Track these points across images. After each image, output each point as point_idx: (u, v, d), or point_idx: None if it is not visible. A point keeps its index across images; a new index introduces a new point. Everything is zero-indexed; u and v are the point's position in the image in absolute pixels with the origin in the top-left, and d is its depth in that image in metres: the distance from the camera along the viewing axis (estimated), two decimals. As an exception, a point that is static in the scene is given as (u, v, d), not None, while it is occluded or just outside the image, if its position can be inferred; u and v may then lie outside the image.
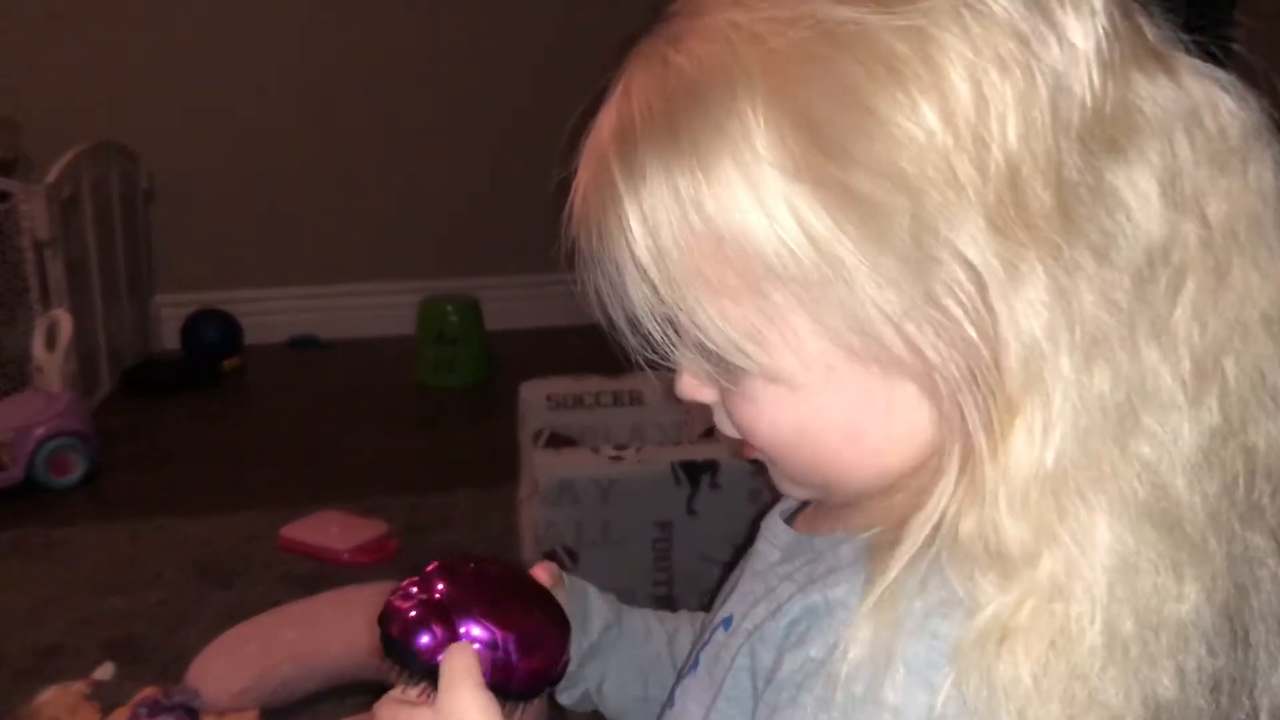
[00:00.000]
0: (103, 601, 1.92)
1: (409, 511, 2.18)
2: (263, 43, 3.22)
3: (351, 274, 3.42)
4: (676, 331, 0.51)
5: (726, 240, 0.47)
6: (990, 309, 0.45)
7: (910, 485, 0.50)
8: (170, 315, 3.31)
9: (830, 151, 0.46)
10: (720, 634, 0.60)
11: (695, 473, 1.73)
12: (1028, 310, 0.45)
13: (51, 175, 2.63)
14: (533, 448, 1.93)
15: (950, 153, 0.45)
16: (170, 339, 3.29)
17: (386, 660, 0.63)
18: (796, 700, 0.49)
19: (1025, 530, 0.45)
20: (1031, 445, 0.45)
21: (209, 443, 2.70)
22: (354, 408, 2.92)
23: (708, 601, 0.69)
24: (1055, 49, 0.46)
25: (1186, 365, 0.47)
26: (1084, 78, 0.46)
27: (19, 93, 2.87)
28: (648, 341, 0.52)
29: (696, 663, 0.62)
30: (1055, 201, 0.45)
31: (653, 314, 0.51)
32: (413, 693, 0.61)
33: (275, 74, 3.23)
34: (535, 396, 2.05)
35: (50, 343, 2.45)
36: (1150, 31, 0.49)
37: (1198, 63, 0.50)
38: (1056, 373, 0.45)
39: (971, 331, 0.46)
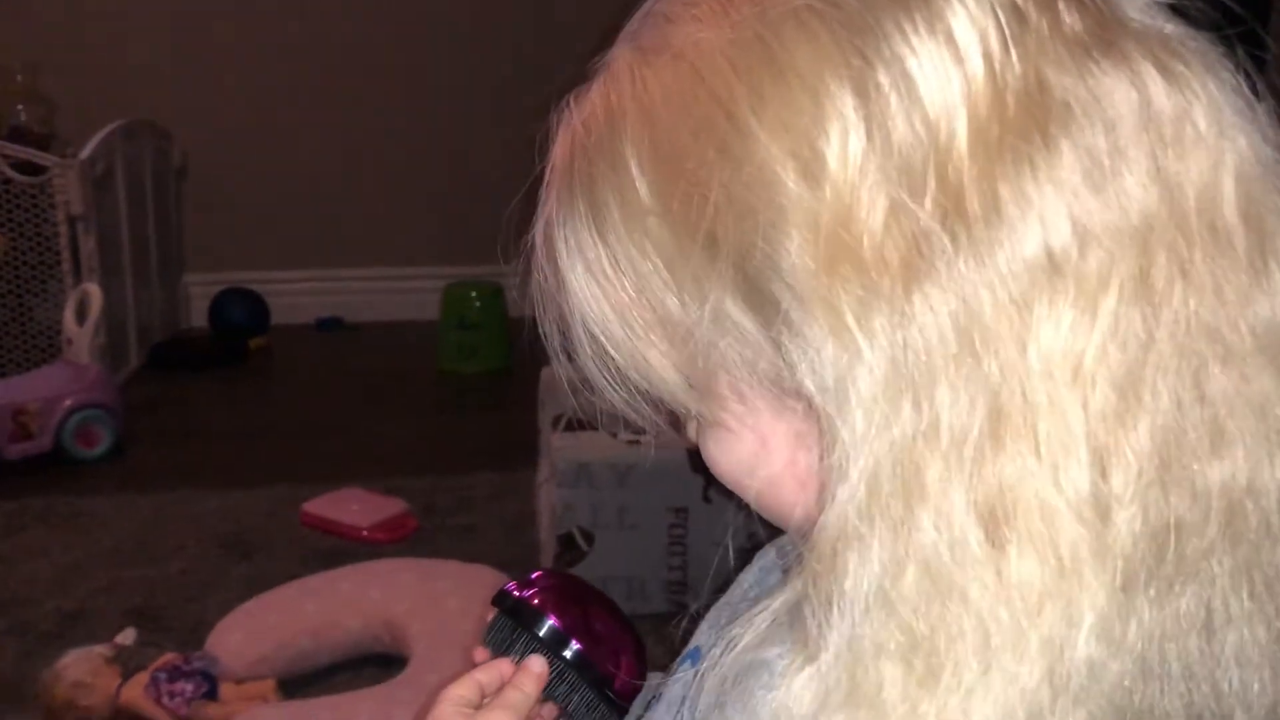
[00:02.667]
0: (125, 570, 1.96)
1: (428, 492, 2.21)
2: (298, 25, 3.26)
3: (378, 258, 3.45)
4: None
5: (634, 287, 0.48)
6: (801, 336, 0.43)
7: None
8: (199, 293, 3.35)
9: (677, 181, 0.45)
10: (687, 667, 0.59)
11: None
12: (824, 340, 0.42)
13: (86, 151, 2.67)
14: (551, 431, 1.95)
15: (778, 173, 0.42)
16: (198, 317, 3.33)
17: (501, 624, 0.69)
18: None
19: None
20: (827, 494, 0.43)
21: (234, 419, 2.74)
22: (377, 390, 2.95)
23: (718, 588, 0.69)
24: (923, 43, 0.42)
25: (1103, 393, 0.40)
26: (972, 68, 0.41)
27: (54, 70, 2.91)
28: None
29: (659, 696, 0.61)
30: (888, 228, 0.41)
31: (599, 362, 0.51)
32: (507, 664, 0.67)
33: (310, 57, 3.26)
34: (556, 381, 2.06)
35: (80, 316, 2.49)
36: (1084, 11, 0.43)
37: (1160, 36, 0.43)
38: (848, 408, 0.42)
39: (792, 358, 0.43)
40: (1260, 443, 0.42)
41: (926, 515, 0.41)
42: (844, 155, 0.41)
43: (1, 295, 2.68)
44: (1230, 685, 0.43)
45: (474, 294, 3.05)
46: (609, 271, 0.48)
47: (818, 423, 0.44)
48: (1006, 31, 0.41)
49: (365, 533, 2.04)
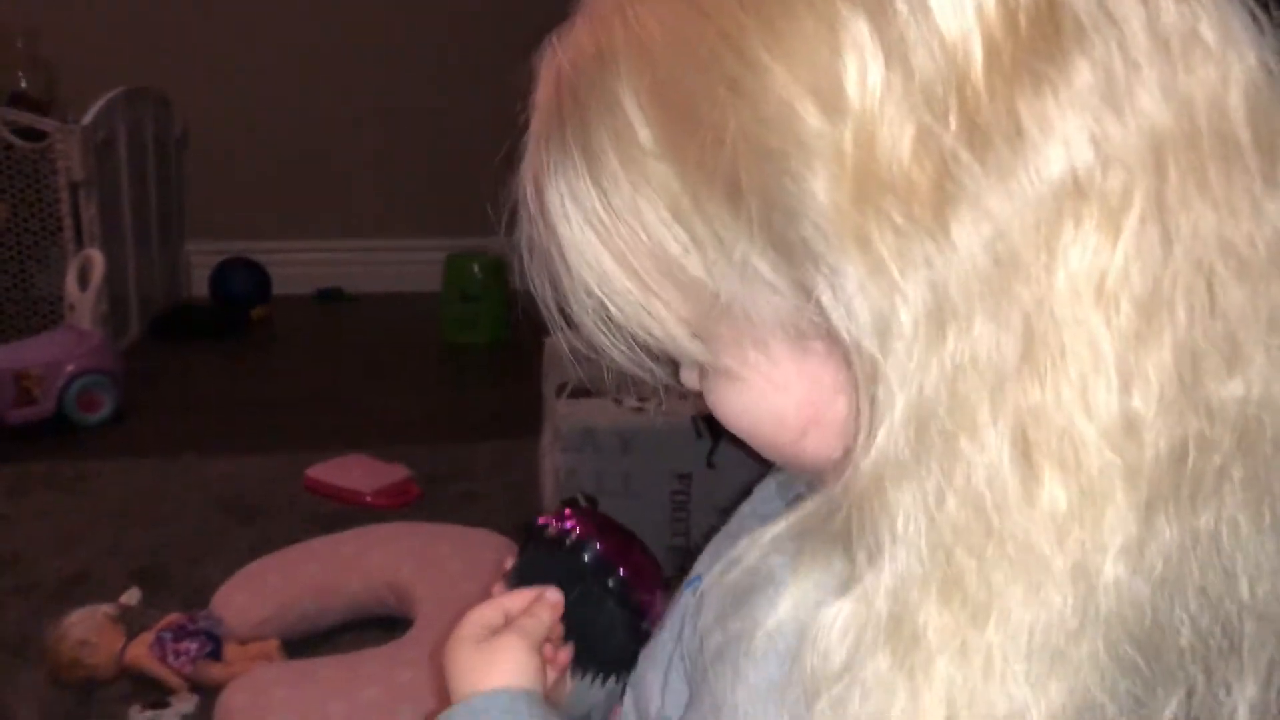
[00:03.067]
0: (129, 533, 1.96)
1: (430, 459, 2.21)
2: (299, -6, 3.24)
3: (379, 229, 3.45)
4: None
5: (637, 236, 0.46)
6: (836, 274, 0.42)
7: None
8: (200, 263, 3.35)
9: (680, 118, 0.44)
10: (688, 595, 0.59)
11: (716, 426, 1.74)
12: (860, 278, 0.41)
13: (88, 117, 2.66)
14: (555, 398, 1.95)
15: (793, 104, 0.41)
16: (199, 287, 3.33)
17: (533, 557, 0.69)
18: (719, 670, 0.49)
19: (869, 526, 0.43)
20: (867, 431, 0.43)
21: (235, 388, 2.74)
22: (378, 360, 2.95)
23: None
24: None
25: (1127, 312, 0.41)
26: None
27: (55, 35, 2.90)
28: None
29: (663, 624, 0.62)
30: (916, 155, 0.41)
31: (598, 317, 0.49)
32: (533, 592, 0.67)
33: (311, 27, 3.25)
34: (560, 348, 2.06)
35: (82, 282, 2.48)
36: None
37: None
38: (890, 345, 0.41)
39: (826, 300, 0.42)
40: (1274, 356, 0.42)
41: (969, 447, 0.41)
42: (864, 85, 0.41)
43: (3, 261, 2.67)
44: (1243, 598, 0.44)
45: (475, 265, 3.05)
46: (607, 221, 0.47)
47: (846, 363, 0.44)
48: None
49: (368, 498, 2.04)
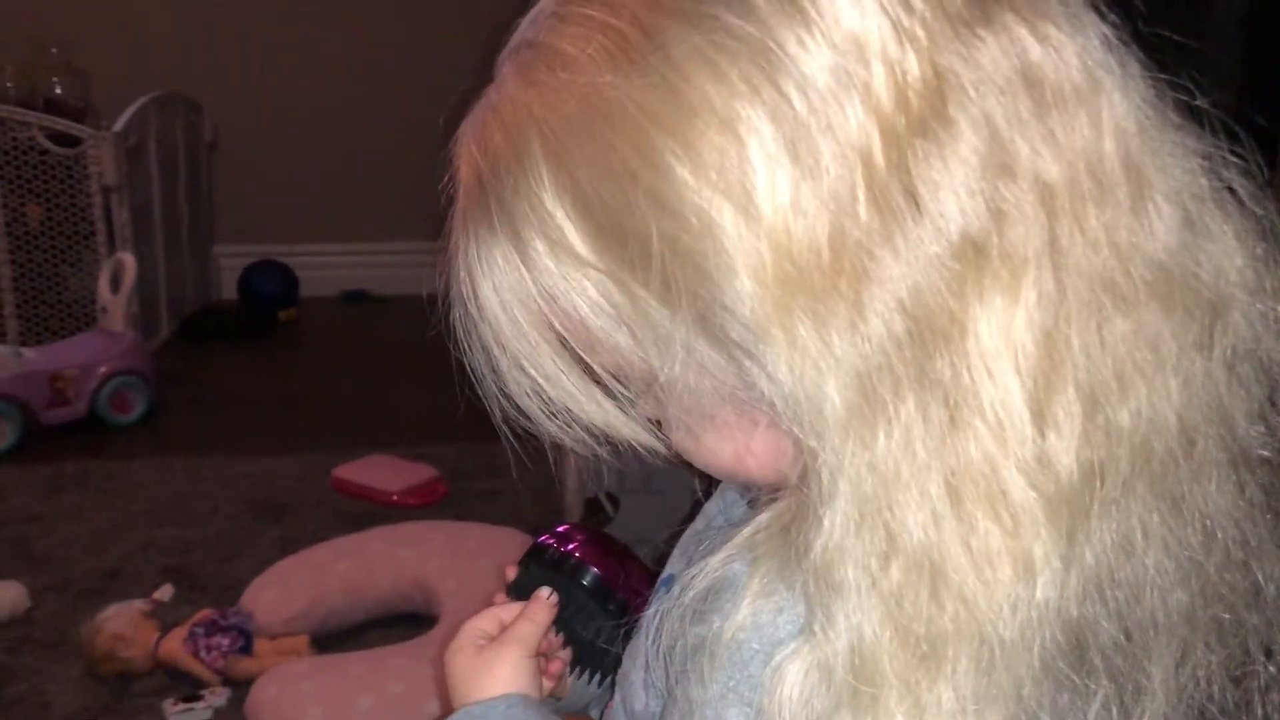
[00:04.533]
0: (160, 531, 2.00)
1: (455, 458, 2.24)
2: (328, 2, 3.28)
3: (405, 231, 3.48)
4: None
5: (571, 314, 0.48)
6: (767, 369, 0.44)
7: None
8: (229, 265, 3.39)
9: (605, 229, 0.45)
10: (663, 593, 0.61)
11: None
12: (789, 374, 0.43)
13: (120, 123, 2.71)
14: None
15: (711, 212, 0.43)
16: (228, 288, 3.37)
17: (534, 575, 0.71)
18: (687, 673, 0.51)
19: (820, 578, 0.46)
20: (815, 513, 0.45)
21: (264, 388, 2.78)
22: (404, 360, 2.96)
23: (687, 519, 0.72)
24: (822, 55, 0.42)
25: (1032, 355, 0.43)
26: (875, 70, 0.42)
27: (89, 43, 2.95)
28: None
29: (638, 625, 0.64)
30: (833, 242, 0.43)
31: (534, 397, 0.52)
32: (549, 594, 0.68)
33: (338, 34, 3.29)
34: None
35: (115, 285, 2.53)
36: None
37: (1029, 0, 0.45)
38: (826, 439, 0.44)
39: (765, 392, 0.45)
40: (1157, 377, 0.45)
41: (908, 514, 0.44)
42: (774, 190, 0.43)
43: (37, 264, 2.72)
44: (1151, 594, 0.47)
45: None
46: (545, 312, 0.48)
47: (789, 433, 0.46)
48: (895, 28, 0.43)
49: (395, 497, 2.07)
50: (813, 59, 0.43)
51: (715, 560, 0.50)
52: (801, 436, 0.45)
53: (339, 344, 3.19)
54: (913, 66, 0.43)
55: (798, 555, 0.46)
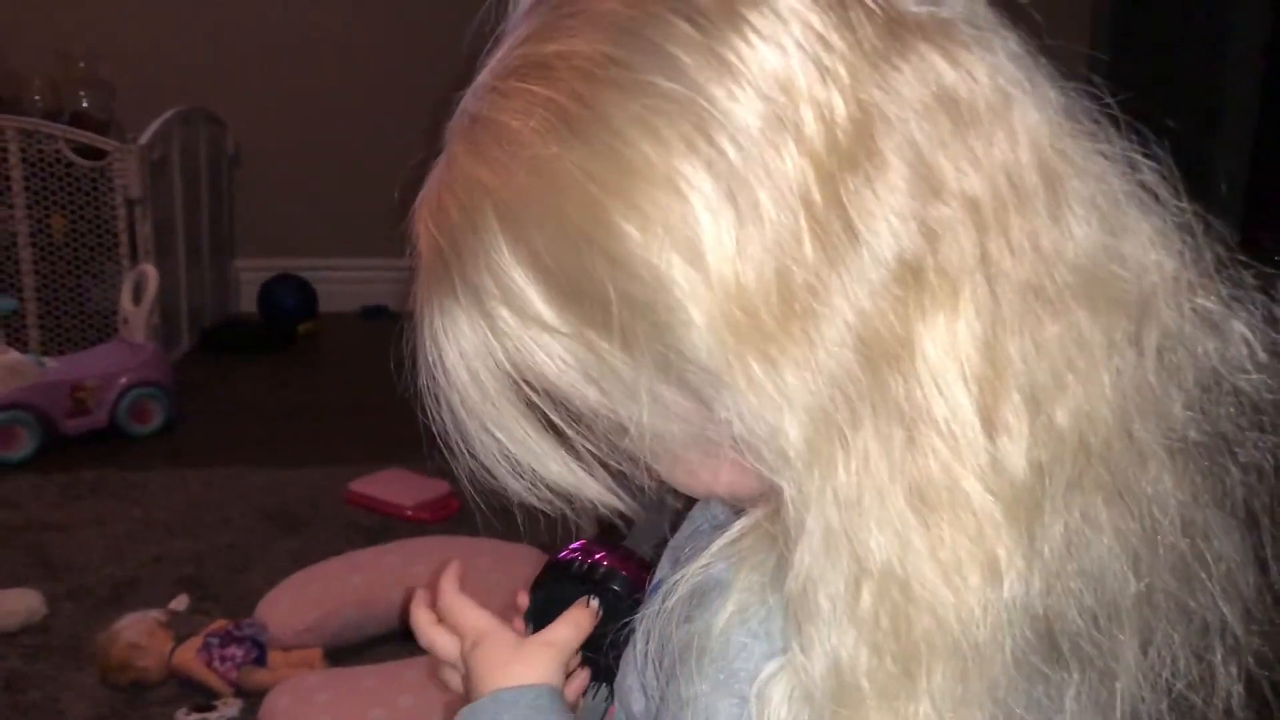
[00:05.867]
0: (176, 541, 2.01)
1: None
2: (351, 18, 3.31)
3: (424, 248, 3.51)
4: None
5: (539, 383, 0.51)
6: (730, 409, 0.46)
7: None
8: (249, 279, 3.42)
9: (566, 292, 0.48)
10: (654, 600, 0.62)
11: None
12: (750, 412, 0.46)
13: (145, 136, 2.73)
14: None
15: (662, 266, 0.45)
16: (248, 302, 3.39)
17: (553, 591, 0.71)
18: (676, 672, 0.52)
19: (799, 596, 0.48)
20: (789, 542, 0.47)
21: (282, 401, 2.80)
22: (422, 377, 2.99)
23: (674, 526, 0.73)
24: (750, 103, 0.44)
25: (976, 364, 0.45)
26: (803, 110, 0.44)
27: (115, 57, 2.98)
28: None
29: (633, 630, 0.65)
30: (779, 283, 0.45)
31: (500, 459, 0.55)
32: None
33: (361, 50, 3.32)
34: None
35: (137, 296, 2.55)
36: (872, 18, 0.46)
37: (939, 25, 0.47)
38: (789, 473, 0.46)
39: (732, 430, 0.47)
40: (1089, 374, 0.47)
41: (876, 536, 0.46)
42: (719, 238, 0.45)
43: (61, 275, 2.75)
44: (1108, 580, 0.49)
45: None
46: (510, 374, 0.51)
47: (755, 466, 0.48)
48: (818, 68, 0.45)
49: (409, 512, 2.08)
50: (743, 109, 0.45)
51: (699, 564, 0.52)
52: (765, 473, 0.46)
53: (357, 358, 3.19)
54: (838, 104, 0.44)
55: (778, 567, 0.48)
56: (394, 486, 2.15)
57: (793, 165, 0.44)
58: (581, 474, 0.55)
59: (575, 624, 0.67)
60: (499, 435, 0.53)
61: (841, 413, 0.45)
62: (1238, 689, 0.54)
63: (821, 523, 0.46)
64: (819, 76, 0.45)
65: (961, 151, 0.45)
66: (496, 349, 0.50)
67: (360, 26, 3.33)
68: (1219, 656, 0.53)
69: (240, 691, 1.58)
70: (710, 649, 0.50)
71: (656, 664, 0.56)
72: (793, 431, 0.45)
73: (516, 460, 0.54)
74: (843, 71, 0.45)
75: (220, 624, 1.64)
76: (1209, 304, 0.50)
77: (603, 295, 0.46)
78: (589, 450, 0.54)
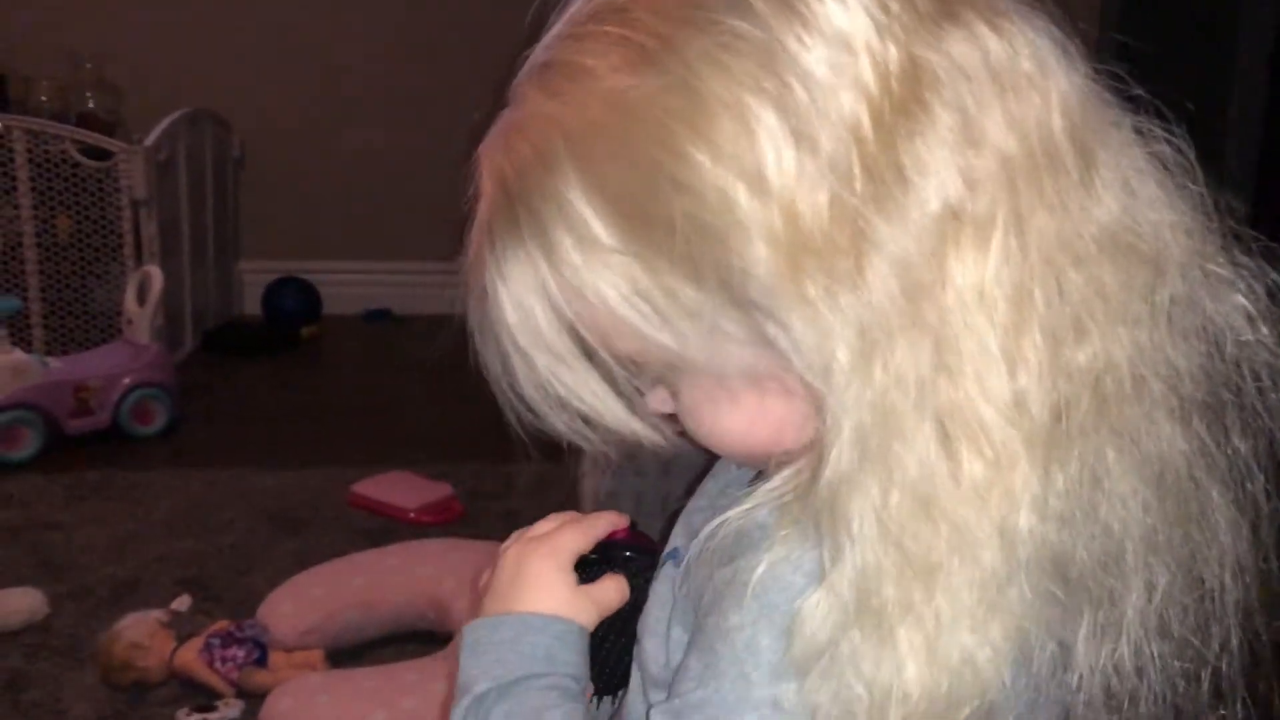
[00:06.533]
0: (178, 542, 2.01)
1: (474, 478, 2.25)
2: (357, 20, 3.32)
3: (428, 251, 3.50)
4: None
5: (594, 305, 0.53)
6: (785, 330, 0.50)
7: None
8: (253, 281, 3.42)
9: (631, 215, 0.50)
10: (670, 567, 0.64)
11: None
12: (803, 331, 0.49)
13: (151, 138, 2.74)
14: (597, 420, 1.98)
15: (728, 192, 0.48)
16: (252, 304, 3.40)
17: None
18: (716, 606, 0.54)
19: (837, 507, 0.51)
20: (826, 454, 0.50)
21: (285, 403, 2.80)
22: (424, 379, 2.97)
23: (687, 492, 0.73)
24: (817, 50, 0.48)
25: (1002, 308, 0.49)
26: (862, 61, 0.48)
27: (122, 59, 2.99)
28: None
29: (649, 598, 0.66)
30: (834, 214, 0.48)
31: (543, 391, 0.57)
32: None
33: (366, 54, 3.33)
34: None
35: (141, 297, 2.55)
36: None
37: (990, 2, 0.51)
38: (833, 384, 0.49)
39: (784, 352, 0.50)
40: (1109, 325, 0.51)
41: (903, 450, 0.50)
42: (781, 169, 0.48)
43: (66, 276, 2.76)
44: (1117, 519, 0.53)
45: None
46: (569, 307, 0.53)
47: (798, 395, 0.52)
48: (877, 25, 0.49)
49: (412, 514, 2.08)
50: (810, 54, 0.48)
51: (742, 508, 0.54)
52: (813, 383, 0.50)
53: (360, 361, 3.20)
54: (893, 57, 0.49)
55: (816, 510, 0.51)
56: (396, 489, 2.15)
57: (850, 109, 0.48)
58: (623, 410, 0.57)
59: (619, 589, 0.67)
60: (546, 371, 0.55)
61: (883, 332, 0.49)
62: (1234, 638, 0.58)
63: (858, 429, 0.49)
64: (877, 33, 0.49)
65: (1001, 112, 0.50)
66: (554, 281, 0.52)
67: (366, 30, 3.33)
68: (1214, 607, 0.57)
69: (242, 692, 1.58)
70: (753, 585, 0.52)
71: (693, 605, 0.58)
72: (841, 344, 0.49)
73: (561, 397, 0.56)
74: (898, 29, 0.49)
75: (222, 625, 1.64)
76: (1220, 272, 0.54)
77: (669, 220, 0.49)
78: (635, 389, 0.56)
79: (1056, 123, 0.51)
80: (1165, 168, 0.54)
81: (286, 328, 3.24)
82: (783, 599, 0.52)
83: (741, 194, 0.48)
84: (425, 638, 1.71)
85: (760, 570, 0.52)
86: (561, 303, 0.53)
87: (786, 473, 0.54)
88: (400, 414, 2.73)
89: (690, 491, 0.69)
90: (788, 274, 0.48)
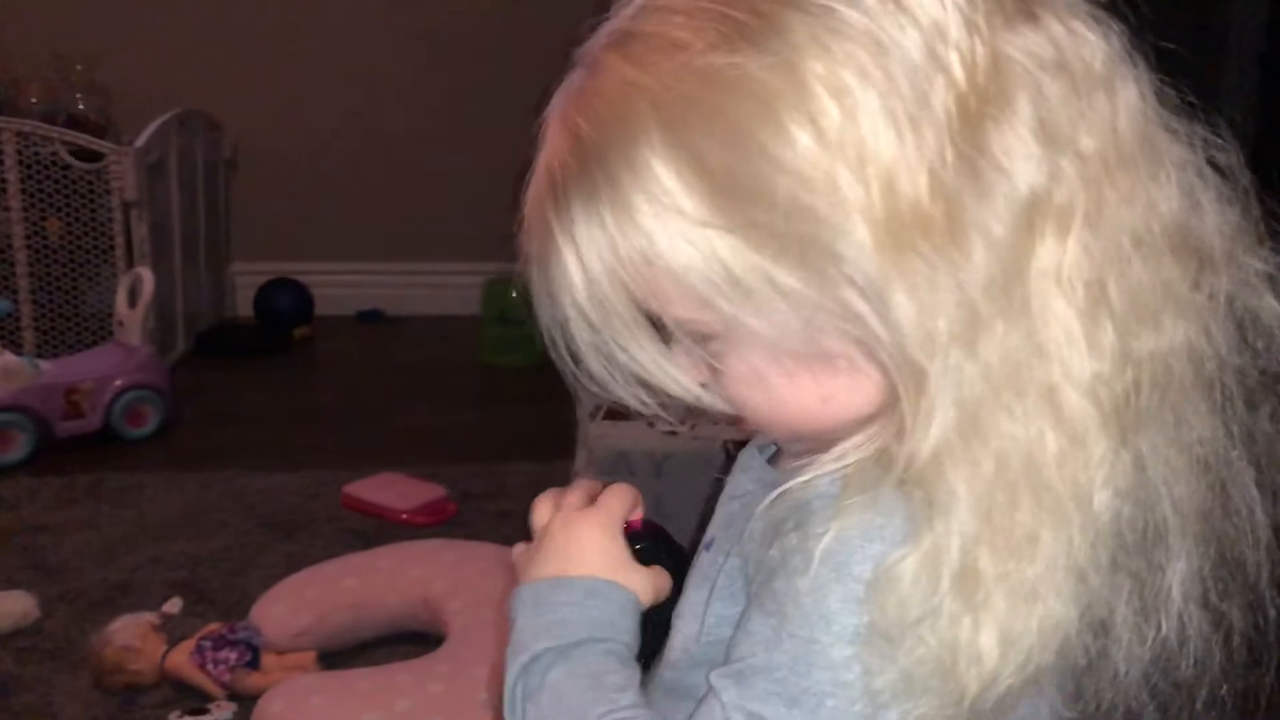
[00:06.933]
0: (171, 544, 2.01)
1: (467, 478, 2.24)
2: (348, 22, 3.32)
3: (420, 252, 3.50)
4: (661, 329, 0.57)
5: (663, 272, 0.53)
6: (883, 306, 0.51)
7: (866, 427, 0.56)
8: (245, 282, 3.42)
9: (726, 190, 0.51)
10: (705, 555, 0.65)
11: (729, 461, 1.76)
12: (905, 306, 0.50)
13: (141, 139, 2.73)
14: (589, 421, 1.98)
15: (831, 172, 0.50)
16: (244, 306, 3.39)
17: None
18: (781, 571, 0.55)
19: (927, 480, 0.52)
20: (923, 425, 0.51)
21: (278, 405, 2.79)
22: (417, 380, 2.99)
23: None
24: (915, 38, 0.50)
25: (1080, 294, 0.52)
26: (951, 53, 0.50)
27: (113, 60, 2.98)
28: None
29: (684, 589, 0.67)
30: (932, 194, 0.50)
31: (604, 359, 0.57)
32: None
33: (356, 56, 3.32)
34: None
35: (132, 299, 2.54)
36: None
37: (1066, 6, 0.54)
38: (936, 357, 0.51)
39: (875, 328, 0.51)
40: (1168, 315, 0.54)
41: (1003, 422, 0.52)
42: (881, 148, 0.50)
43: (57, 278, 2.75)
44: (1167, 499, 0.56)
45: (514, 289, 3.08)
46: (643, 276, 0.53)
47: (870, 373, 0.54)
48: (965, 19, 0.51)
49: (405, 516, 2.08)
50: (910, 43, 0.50)
51: (803, 479, 0.55)
52: (912, 356, 0.51)
53: (353, 363, 3.20)
54: (979, 50, 0.51)
55: (899, 468, 0.52)
56: (389, 490, 2.14)
57: (942, 96, 0.50)
58: (688, 377, 0.58)
59: (668, 582, 0.67)
60: (613, 336, 0.56)
61: (983, 313, 0.51)
62: (1270, 608, 0.60)
63: (959, 405, 0.51)
64: (965, 26, 0.51)
65: (1076, 109, 0.52)
66: (624, 245, 0.53)
67: (358, 31, 3.33)
68: (1250, 578, 0.59)
69: (234, 695, 1.57)
70: (820, 551, 0.53)
71: (749, 575, 0.58)
72: (941, 324, 0.50)
73: (623, 362, 0.57)
74: (983, 25, 0.51)
75: (214, 627, 1.63)
76: (1260, 267, 0.57)
77: (768, 198, 0.50)
78: (702, 355, 0.57)
79: (1125, 122, 0.53)
80: (1215, 169, 0.56)
81: (279, 329, 3.23)
82: (857, 565, 0.53)
83: (843, 174, 0.49)
84: (418, 639, 1.71)
85: (829, 538, 0.53)
86: (628, 267, 0.53)
87: (850, 443, 0.55)
88: (393, 415, 2.72)
89: (715, 489, 0.69)
90: (889, 252, 0.50)
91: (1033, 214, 0.51)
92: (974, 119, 0.50)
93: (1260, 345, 0.57)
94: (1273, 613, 0.60)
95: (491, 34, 3.36)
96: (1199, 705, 0.59)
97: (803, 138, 0.49)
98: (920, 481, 0.52)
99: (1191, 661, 0.58)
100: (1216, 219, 0.56)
